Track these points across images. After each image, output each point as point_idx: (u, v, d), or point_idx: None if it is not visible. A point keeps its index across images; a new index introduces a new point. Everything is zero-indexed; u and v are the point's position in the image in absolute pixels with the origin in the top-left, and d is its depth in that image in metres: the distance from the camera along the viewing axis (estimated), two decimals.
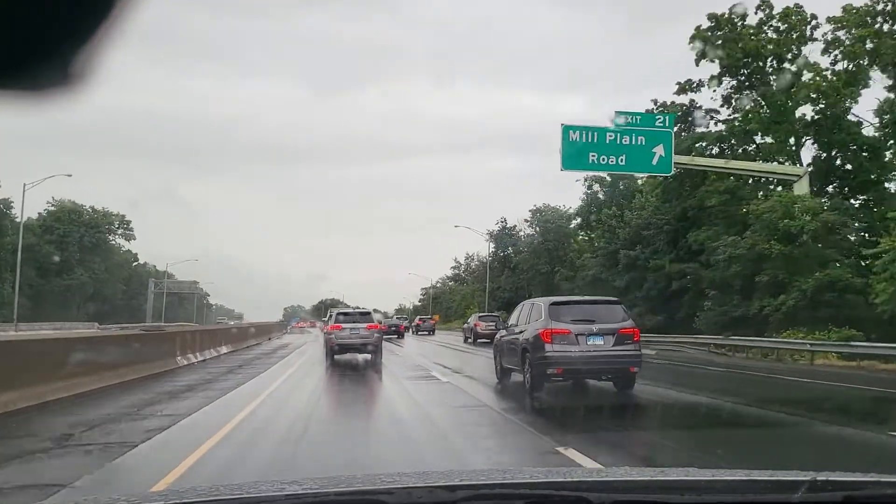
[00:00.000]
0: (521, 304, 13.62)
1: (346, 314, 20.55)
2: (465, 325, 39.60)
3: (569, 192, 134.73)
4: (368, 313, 20.93)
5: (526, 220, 64.70)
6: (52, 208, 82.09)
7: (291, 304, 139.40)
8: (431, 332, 48.65)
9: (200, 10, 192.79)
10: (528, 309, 12.21)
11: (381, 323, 22.07)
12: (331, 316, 21.15)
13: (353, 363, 18.48)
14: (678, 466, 3.22)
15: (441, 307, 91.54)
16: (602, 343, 10.43)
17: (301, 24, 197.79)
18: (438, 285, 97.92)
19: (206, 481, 4.65)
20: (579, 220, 57.30)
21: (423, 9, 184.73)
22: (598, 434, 7.61)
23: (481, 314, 39.90)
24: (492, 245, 67.89)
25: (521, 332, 11.83)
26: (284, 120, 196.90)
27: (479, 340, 32.46)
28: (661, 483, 1.76)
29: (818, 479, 1.62)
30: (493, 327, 31.91)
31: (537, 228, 60.35)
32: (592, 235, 52.22)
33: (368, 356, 19.10)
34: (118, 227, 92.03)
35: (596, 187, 54.17)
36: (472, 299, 78.33)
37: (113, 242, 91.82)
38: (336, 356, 19.02)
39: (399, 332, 39.63)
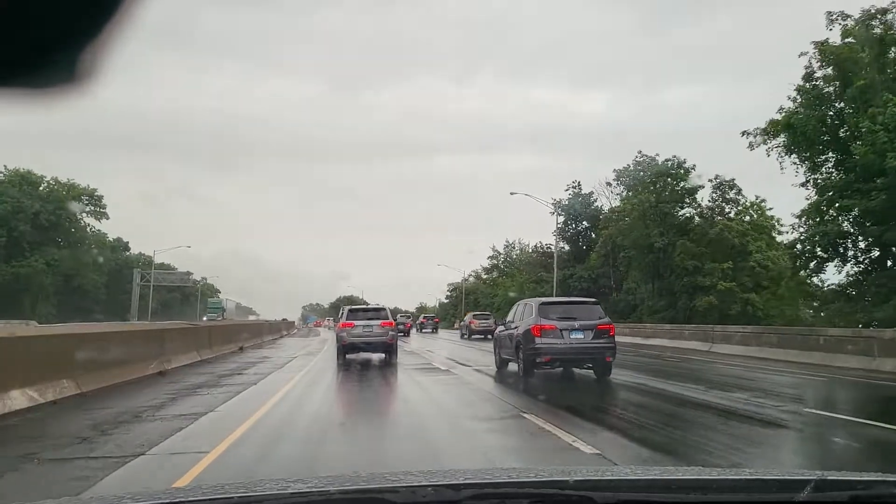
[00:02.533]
0: (517, 303, 16.06)
1: (358, 310, 19.60)
2: (462, 323, 43.45)
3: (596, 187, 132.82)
4: (383, 309, 19.77)
5: (611, 183, 50.26)
6: (1, 177, 67.98)
7: (310, 303, 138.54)
8: (435, 329, 53.99)
9: (219, 7, 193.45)
10: (522, 308, 14.63)
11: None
12: (342, 313, 20.34)
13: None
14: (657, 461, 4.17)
15: (476, 304, 79.58)
16: (582, 337, 12.85)
17: (321, 20, 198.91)
18: (471, 279, 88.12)
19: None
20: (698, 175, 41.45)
21: (445, 4, 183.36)
22: (554, 403, 10.03)
23: (475, 313, 44.84)
24: (560, 218, 52.03)
25: (515, 327, 14.20)
26: (306, 118, 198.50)
27: (473, 336, 35.99)
28: (665, 482, 1.77)
29: (824, 478, 1.63)
30: (486, 324, 36.57)
31: (635, 190, 44.82)
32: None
33: (382, 356, 18.50)
34: (87, 205, 75.45)
35: None
36: (523, 292, 65.63)
37: (83, 223, 77.54)
38: (348, 355, 18.39)
39: (405, 331, 42.73)
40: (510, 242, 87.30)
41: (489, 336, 33.65)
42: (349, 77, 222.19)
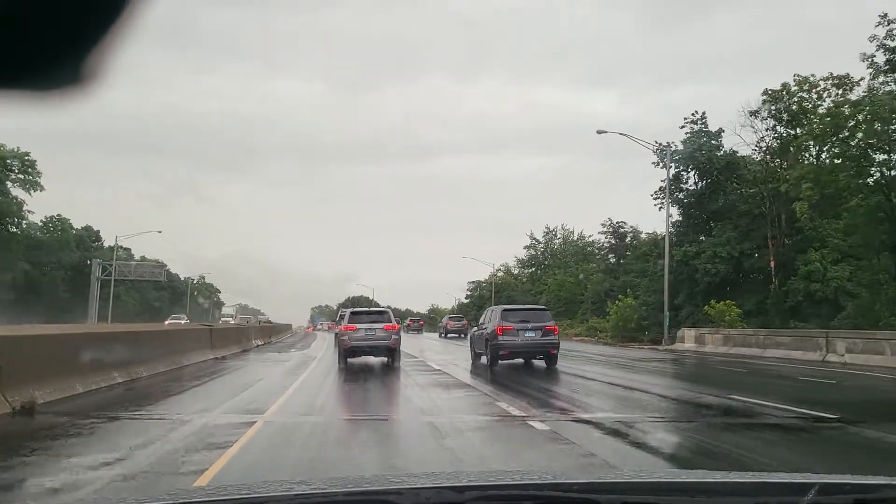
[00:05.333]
0: (486, 310, 20.87)
1: (361, 313, 19.94)
2: (440, 325, 50.16)
3: (611, 190, 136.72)
4: (385, 312, 19.95)
5: (757, 113, 36.01)
6: None
7: (319, 304, 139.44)
8: (420, 331, 63.00)
9: (222, 8, 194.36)
10: (490, 313, 19.43)
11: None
12: (342, 316, 20.77)
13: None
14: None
15: (512, 302, 71.42)
16: (534, 335, 17.42)
17: (325, 20, 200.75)
18: (500, 273, 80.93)
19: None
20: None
21: (449, 4, 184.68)
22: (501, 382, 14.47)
23: (451, 315, 51.65)
24: (671, 169, 37.65)
25: (485, 328, 18.61)
26: (311, 118, 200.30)
27: (448, 335, 42.47)
28: (670, 485, 1.83)
29: (829, 481, 1.68)
30: (459, 325, 43.29)
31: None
32: None
33: (385, 359, 18.68)
34: (17, 172, 59.18)
35: None
36: (587, 287, 57.51)
37: (13, 197, 60.01)
38: (349, 359, 18.60)
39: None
40: (550, 229, 78.04)
41: (462, 335, 38.48)
42: (354, 77, 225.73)
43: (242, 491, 1.62)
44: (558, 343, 18.32)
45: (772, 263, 35.87)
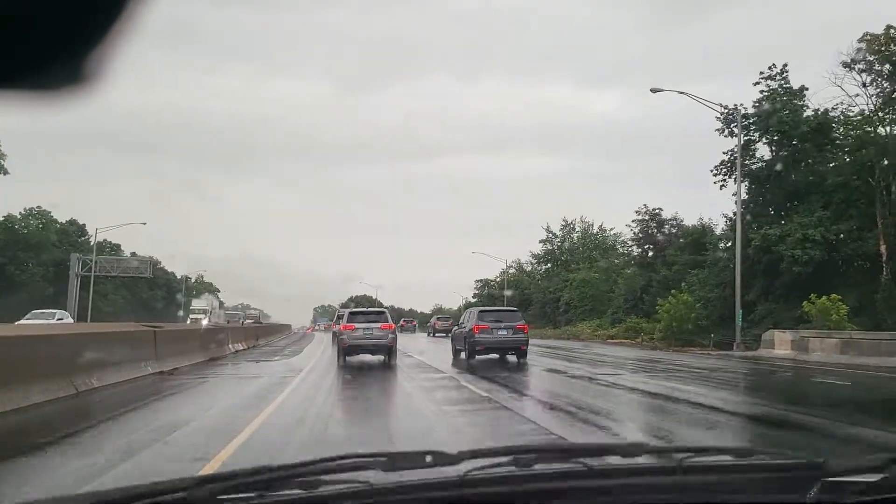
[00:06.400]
0: (465, 311, 23.49)
1: (359, 313, 20.95)
2: (429, 324, 59.99)
3: (619, 189, 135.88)
4: (383, 312, 21.05)
5: (852, 65, 30.28)
6: None
7: (321, 304, 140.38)
8: (412, 331, 66.65)
9: (224, 7, 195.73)
10: (468, 314, 22.48)
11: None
12: (340, 316, 22.51)
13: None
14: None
15: (527, 302, 66.65)
16: (506, 333, 20.27)
17: (327, 19, 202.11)
18: (512, 270, 77.04)
19: None
20: None
21: (450, 3, 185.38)
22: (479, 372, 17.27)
23: (439, 316, 56.34)
24: (740, 137, 31.72)
25: (464, 327, 21.24)
26: (313, 118, 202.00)
27: (436, 334, 46.26)
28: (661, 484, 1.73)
29: (830, 479, 1.69)
30: (446, 325, 46.86)
31: None
32: None
33: (382, 357, 19.62)
34: None
35: None
36: (616, 283, 53.98)
37: None
38: (348, 357, 19.43)
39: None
40: (568, 222, 72.92)
41: (448, 334, 41.21)
42: (355, 77, 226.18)
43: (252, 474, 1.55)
44: (527, 340, 21.37)
45: (882, 248, 29.00)
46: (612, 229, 68.65)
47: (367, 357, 20.15)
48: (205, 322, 50.07)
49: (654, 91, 29.14)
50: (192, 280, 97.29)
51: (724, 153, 34.36)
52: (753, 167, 33.65)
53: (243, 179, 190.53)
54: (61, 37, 0.85)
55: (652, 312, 38.51)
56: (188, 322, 56.38)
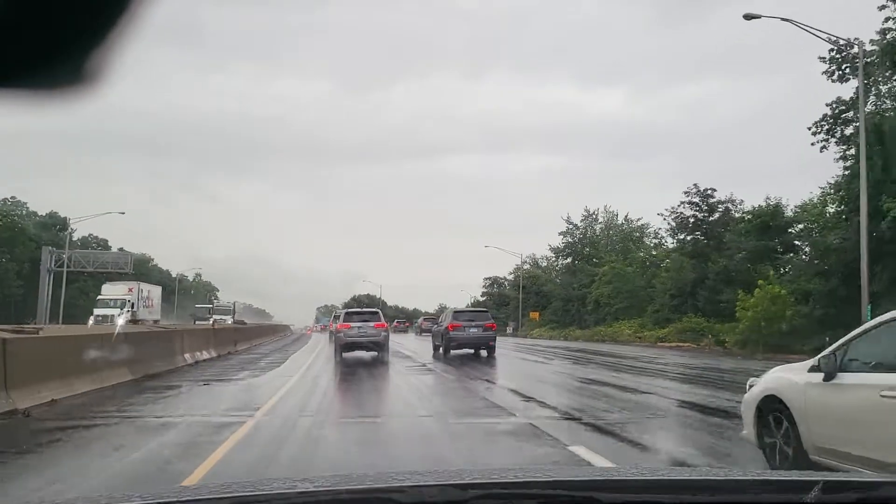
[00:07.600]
0: (444, 311, 26.76)
1: (354, 313, 22.79)
2: (416, 324, 67.06)
3: (617, 189, 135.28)
4: (376, 312, 22.86)
5: None
6: None
7: (325, 304, 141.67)
8: (405, 331, 72.29)
9: (227, 7, 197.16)
10: (446, 314, 25.61)
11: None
12: (337, 316, 25.17)
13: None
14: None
15: (546, 299, 64.31)
16: (476, 331, 23.83)
17: (330, 18, 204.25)
18: (527, 265, 73.84)
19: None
20: None
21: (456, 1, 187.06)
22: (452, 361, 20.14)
23: (425, 316, 60.74)
24: (862, 72, 23.54)
25: (441, 325, 24.51)
26: (317, 117, 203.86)
27: (423, 333, 50.80)
28: (672, 483, 1.86)
29: (832, 479, 1.72)
30: (432, 325, 50.94)
31: None
32: None
33: (375, 353, 21.49)
34: None
35: None
36: (655, 276, 47.44)
37: None
38: (344, 353, 21.39)
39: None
40: (591, 212, 68.09)
41: None
42: (360, 76, 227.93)
43: (247, 489, 1.62)
44: (495, 336, 25.24)
45: None
46: (639, 219, 64.40)
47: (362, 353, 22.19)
48: (120, 321, 34.25)
49: (747, 17, 22.36)
50: (190, 280, 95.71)
51: (826, 105, 28.41)
52: (876, 118, 25.47)
53: (247, 179, 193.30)
54: (64, 36, 0.86)
55: (711, 310, 34.74)
56: (90, 323, 40.86)
